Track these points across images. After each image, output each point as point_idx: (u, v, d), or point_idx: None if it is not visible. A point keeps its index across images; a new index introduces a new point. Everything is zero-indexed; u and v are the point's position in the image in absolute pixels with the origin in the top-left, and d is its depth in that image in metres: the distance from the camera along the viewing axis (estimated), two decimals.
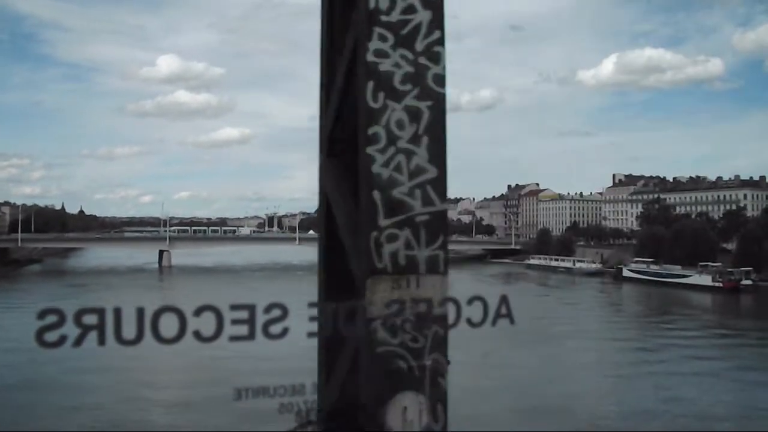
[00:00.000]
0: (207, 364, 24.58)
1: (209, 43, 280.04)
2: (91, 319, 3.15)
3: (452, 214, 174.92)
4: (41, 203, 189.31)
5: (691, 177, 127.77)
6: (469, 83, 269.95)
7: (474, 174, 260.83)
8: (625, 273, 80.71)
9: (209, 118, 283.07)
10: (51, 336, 3.11)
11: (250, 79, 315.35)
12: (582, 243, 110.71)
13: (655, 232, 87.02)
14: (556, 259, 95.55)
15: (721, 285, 68.60)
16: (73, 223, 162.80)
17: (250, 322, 3.33)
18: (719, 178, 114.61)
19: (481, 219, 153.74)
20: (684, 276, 72.68)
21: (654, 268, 77.17)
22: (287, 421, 3.44)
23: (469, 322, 3.64)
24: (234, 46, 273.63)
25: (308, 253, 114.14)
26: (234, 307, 3.34)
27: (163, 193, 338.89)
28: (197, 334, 3.32)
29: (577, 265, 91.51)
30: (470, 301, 3.66)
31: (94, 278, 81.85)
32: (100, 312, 3.15)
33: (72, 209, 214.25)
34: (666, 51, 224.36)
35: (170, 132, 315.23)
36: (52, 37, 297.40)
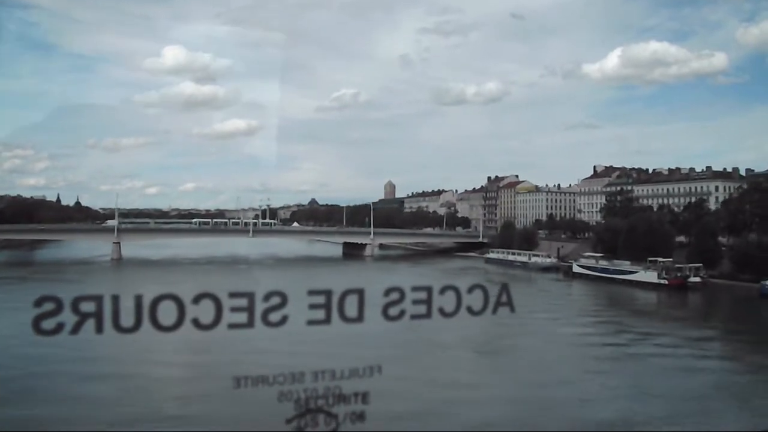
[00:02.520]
0: None
1: (215, 33, 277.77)
2: (88, 307, 3.17)
3: (433, 206, 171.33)
4: (46, 194, 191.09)
5: (670, 169, 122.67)
6: (475, 76, 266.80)
7: (478, 166, 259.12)
8: (575, 269, 76.47)
9: (215, 109, 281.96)
10: (48, 324, 3.12)
11: (256, 70, 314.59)
12: (545, 236, 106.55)
13: (612, 225, 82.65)
14: (514, 253, 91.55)
15: (666, 282, 64.36)
16: (46, 214, 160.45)
17: (249, 309, 3.42)
18: (692, 170, 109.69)
19: (456, 211, 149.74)
20: (631, 272, 68.43)
21: (602, 263, 72.94)
22: (286, 409, 3.53)
23: (470, 310, 3.86)
24: (240, 37, 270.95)
25: (265, 246, 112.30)
26: (233, 295, 3.42)
27: (170, 185, 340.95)
28: (196, 322, 3.38)
29: (533, 259, 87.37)
30: (471, 290, 3.89)
31: (27, 271, 79.55)
32: (98, 299, 3.20)
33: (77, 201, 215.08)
34: (671, 45, 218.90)
35: (176, 123, 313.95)
36: (59, 27, 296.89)
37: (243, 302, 3.36)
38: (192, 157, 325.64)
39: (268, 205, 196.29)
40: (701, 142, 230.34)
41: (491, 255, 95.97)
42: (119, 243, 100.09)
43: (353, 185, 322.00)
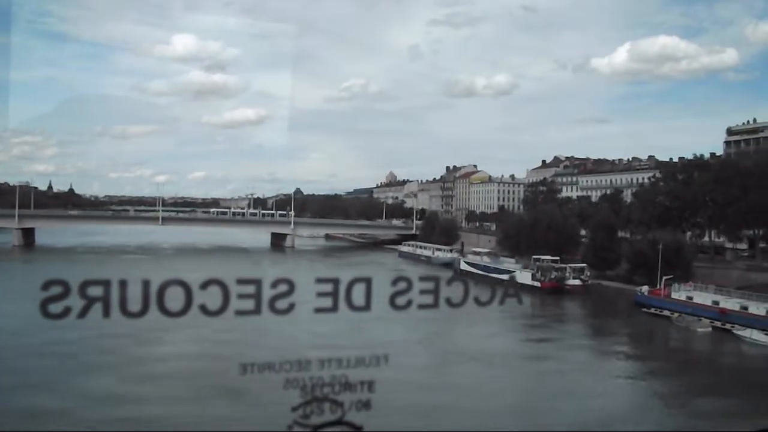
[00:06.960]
0: None
1: (225, 22, 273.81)
2: (96, 291, 3.09)
3: (399, 196, 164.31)
4: (54, 181, 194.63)
5: (628, 159, 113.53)
6: (485, 69, 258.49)
7: (486, 159, 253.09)
8: (462, 266, 68.89)
9: (224, 98, 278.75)
10: (55, 307, 3.05)
11: (266, 59, 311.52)
12: (475, 228, 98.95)
13: (516, 219, 74.82)
14: (421, 247, 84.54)
15: (539, 285, 56.60)
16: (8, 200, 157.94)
17: (257, 296, 3.37)
18: (634, 159, 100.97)
19: (403, 202, 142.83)
20: (508, 272, 60.66)
21: (486, 260, 65.38)
22: (292, 396, 3.47)
23: (477, 301, 3.93)
24: (250, 27, 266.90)
25: (177, 234, 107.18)
26: (240, 282, 3.36)
27: (179, 173, 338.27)
28: (203, 308, 3.33)
29: (435, 254, 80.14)
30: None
31: None
32: (106, 284, 3.10)
33: (84, 188, 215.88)
34: (681, 40, 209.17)
35: (185, 111, 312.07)
36: (71, 15, 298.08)
37: (250, 289, 3.29)
38: (201, 145, 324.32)
39: (252, 195, 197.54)
40: (712, 137, 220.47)
41: (403, 248, 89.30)
42: (22, 229, 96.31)
43: (362, 176, 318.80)
